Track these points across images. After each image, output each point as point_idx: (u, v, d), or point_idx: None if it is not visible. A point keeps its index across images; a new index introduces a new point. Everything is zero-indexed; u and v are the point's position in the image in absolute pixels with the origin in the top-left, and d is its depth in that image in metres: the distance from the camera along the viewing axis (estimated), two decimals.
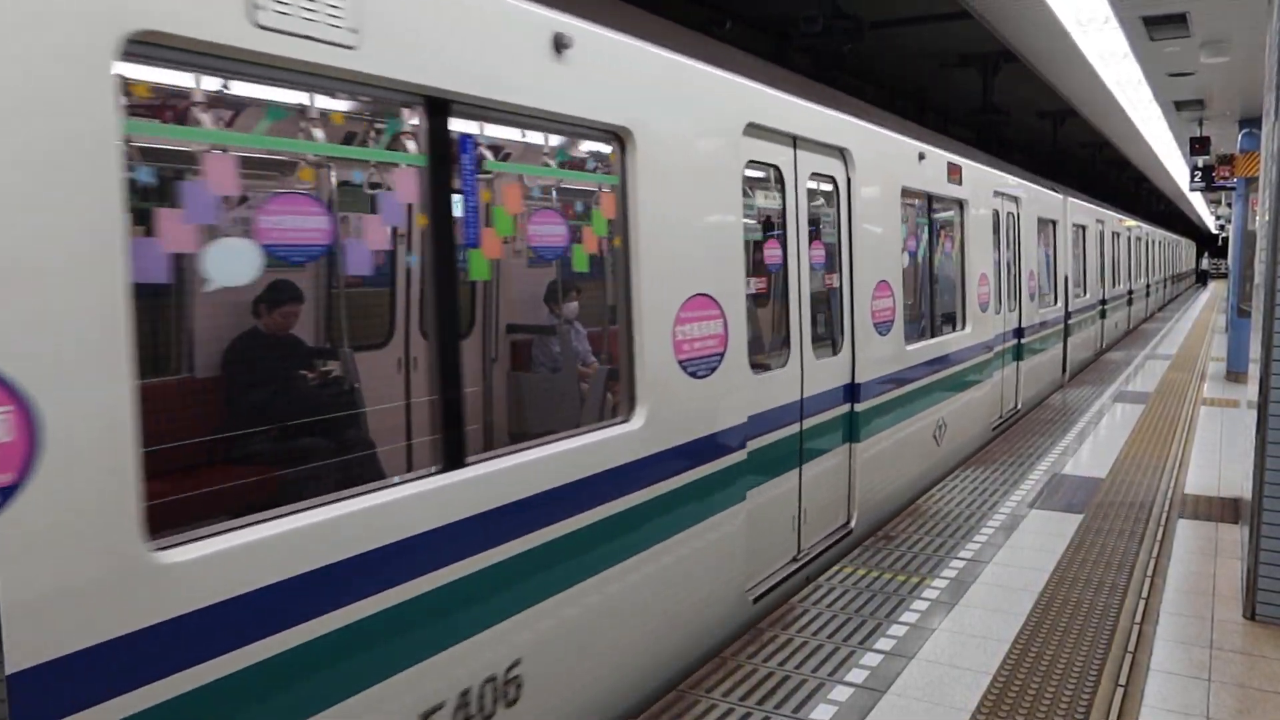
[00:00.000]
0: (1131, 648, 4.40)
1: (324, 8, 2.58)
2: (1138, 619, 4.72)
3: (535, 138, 3.88)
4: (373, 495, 2.79)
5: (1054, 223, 12.31)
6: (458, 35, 3.03)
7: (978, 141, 14.36)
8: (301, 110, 2.96)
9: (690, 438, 4.18)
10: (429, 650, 2.94)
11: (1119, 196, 28.16)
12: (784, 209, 5.25)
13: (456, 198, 3.17)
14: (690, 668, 4.29)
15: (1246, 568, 4.79)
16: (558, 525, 3.43)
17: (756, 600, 4.88)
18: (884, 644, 4.44)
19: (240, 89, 2.77)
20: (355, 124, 3.37)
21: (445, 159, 3.08)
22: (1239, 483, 6.08)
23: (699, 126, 4.28)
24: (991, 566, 5.50)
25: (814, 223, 5.68)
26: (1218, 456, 8.33)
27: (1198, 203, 34.68)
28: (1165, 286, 31.97)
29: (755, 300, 5.11)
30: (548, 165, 3.96)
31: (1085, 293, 14.76)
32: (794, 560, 5.36)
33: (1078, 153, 21.95)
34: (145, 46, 2.21)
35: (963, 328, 8.43)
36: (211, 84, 2.69)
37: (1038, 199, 11.36)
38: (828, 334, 5.91)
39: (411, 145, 3.09)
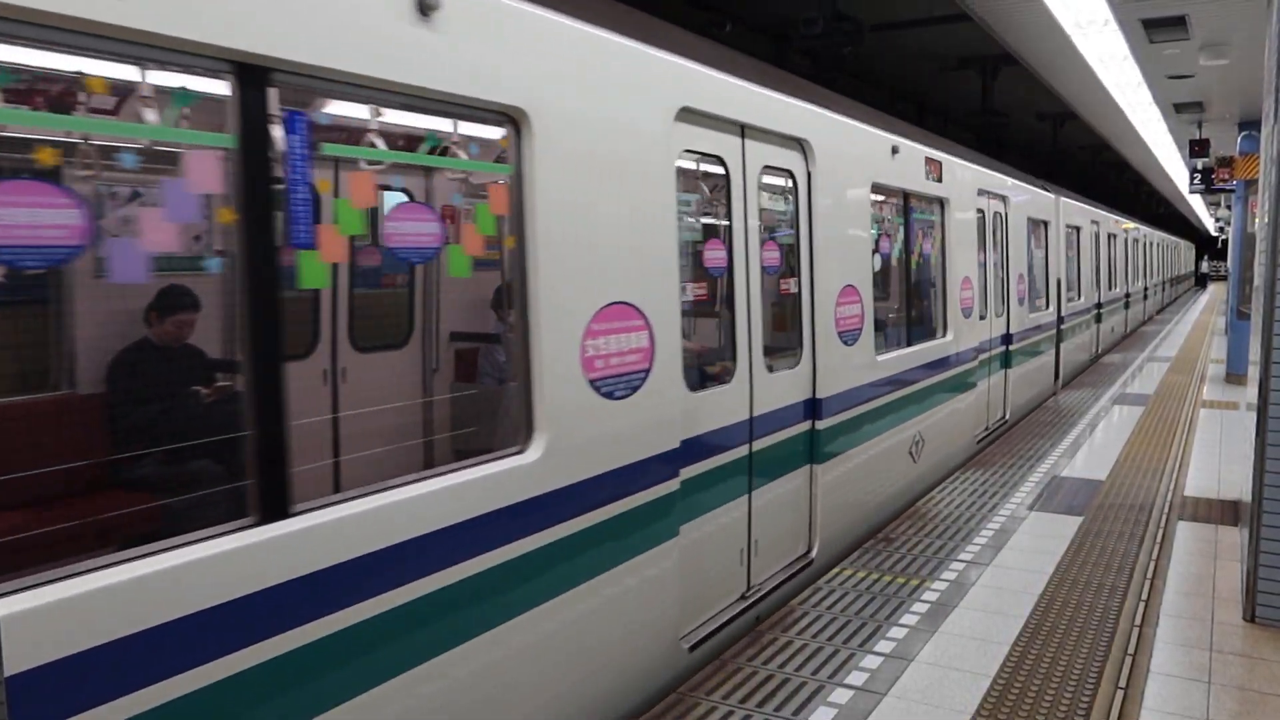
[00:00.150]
0: (1131, 650, 4.40)
1: None
2: (1137, 621, 4.72)
3: (399, 118, 3.30)
4: (151, 559, 2.22)
5: (1045, 223, 11.88)
6: None
7: (977, 144, 14.39)
8: (46, 76, 2.37)
9: (604, 469, 3.62)
10: None
11: (1118, 199, 28.19)
12: (729, 206, 4.69)
13: (280, 188, 2.61)
14: None
15: (1246, 570, 4.79)
16: (417, 584, 2.85)
17: (694, 648, 4.32)
18: (884, 646, 4.44)
19: None
20: (131, 94, 2.57)
21: (262, 140, 2.52)
22: (1239, 485, 6.08)
23: (618, 109, 3.73)
24: (991, 569, 5.50)
25: (768, 222, 5.22)
26: (1217, 459, 8.33)
27: (1197, 205, 34.70)
28: (1164, 289, 31.74)
29: (694, 309, 4.65)
30: (415, 151, 3.41)
31: (1080, 296, 14.31)
32: (742, 598, 4.81)
33: (1077, 155, 21.96)
34: None
35: (943, 335, 7.91)
36: None
37: (1027, 198, 10.91)
38: (785, 345, 5.39)
39: (222, 123, 2.49)
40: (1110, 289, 17.61)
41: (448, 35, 2.95)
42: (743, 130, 4.73)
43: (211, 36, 2.32)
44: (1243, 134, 13.67)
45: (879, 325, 6.72)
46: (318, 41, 2.58)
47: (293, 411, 2.60)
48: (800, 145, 5.29)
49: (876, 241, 6.54)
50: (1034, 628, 4.63)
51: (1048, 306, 12.05)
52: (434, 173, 4.07)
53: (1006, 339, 10.00)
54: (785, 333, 5.43)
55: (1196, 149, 14.37)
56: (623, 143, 3.76)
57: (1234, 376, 12.87)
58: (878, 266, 6.51)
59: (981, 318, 9.00)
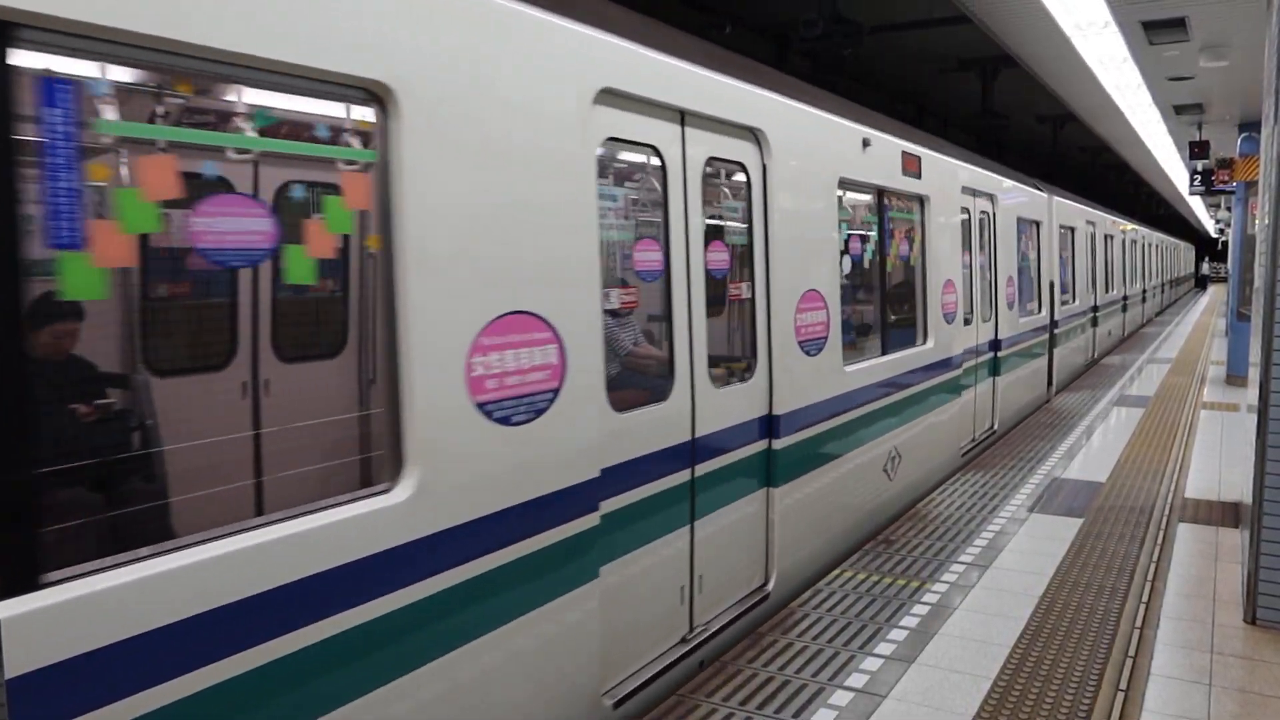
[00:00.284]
0: (1132, 652, 4.39)
1: None
2: (1138, 623, 4.71)
3: (214, 92, 2.81)
4: None
5: (1038, 224, 11.45)
6: None
7: (977, 146, 14.40)
8: None
9: (497, 506, 3.13)
10: None
11: (1119, 200, 28.21)
12: (666, 202, 4.18)
13: (29, 172, 2.12)
14: None
15: (1247, 572, 4.79)
16: (227, 662, 2.33)
17: (620, 704, 3.83)
18: (884, 649, 4.44)
19: None
20: None
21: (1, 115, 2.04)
22: (1239, 487, 6.07)
23: (514, 89, 3.22)
24: (991, 570, 5.49)
25: (715, 220, 4.77)
26: (1218, 460, 8.33)
27: (1197, 206, 34.71)
28: (1163, 291, 31.52)
29: (616, 317, 4.19)
30: (236, 131, 2.82)
31: (1074, 299, 13.84)
32: (684, 641, 4.33)
33: (1077, 157, 21.98)
34: None
35: (923, 342, 7.40)
36: None
37: (1017, 197, 10.42)
38: (736, 356, 5.01)
39: None
40: (1107, 291, 17.21)
41: None
42: (682, 117, 4.25)
43: None
44: (1243, 136, 13.67)
45: (849, 333, 6.39)
46: None
47: (59, 451, 2.21)
48: (754, 135, 4.79)
49: (846, 243, 6.10)
50: (1034, 630, 4.62)
51: (1040, 310, 11.66)
52: (276, 159, 3.50)
53: (995, 345, 9.58)
54: (738, 344, 5.04)
55: (1196, 151, 14.38)
56: (521, 128, 3.24)
57: (1234, 378, 12.87)
58: (847, 270, 6.12)
59: (967, 323, 8.58)
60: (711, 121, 4.45)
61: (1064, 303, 12.96)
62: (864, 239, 6.57)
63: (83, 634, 2.06)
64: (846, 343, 6.07)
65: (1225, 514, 6.63)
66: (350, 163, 2.97)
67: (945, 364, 7.78)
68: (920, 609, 4.92)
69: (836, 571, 5.50)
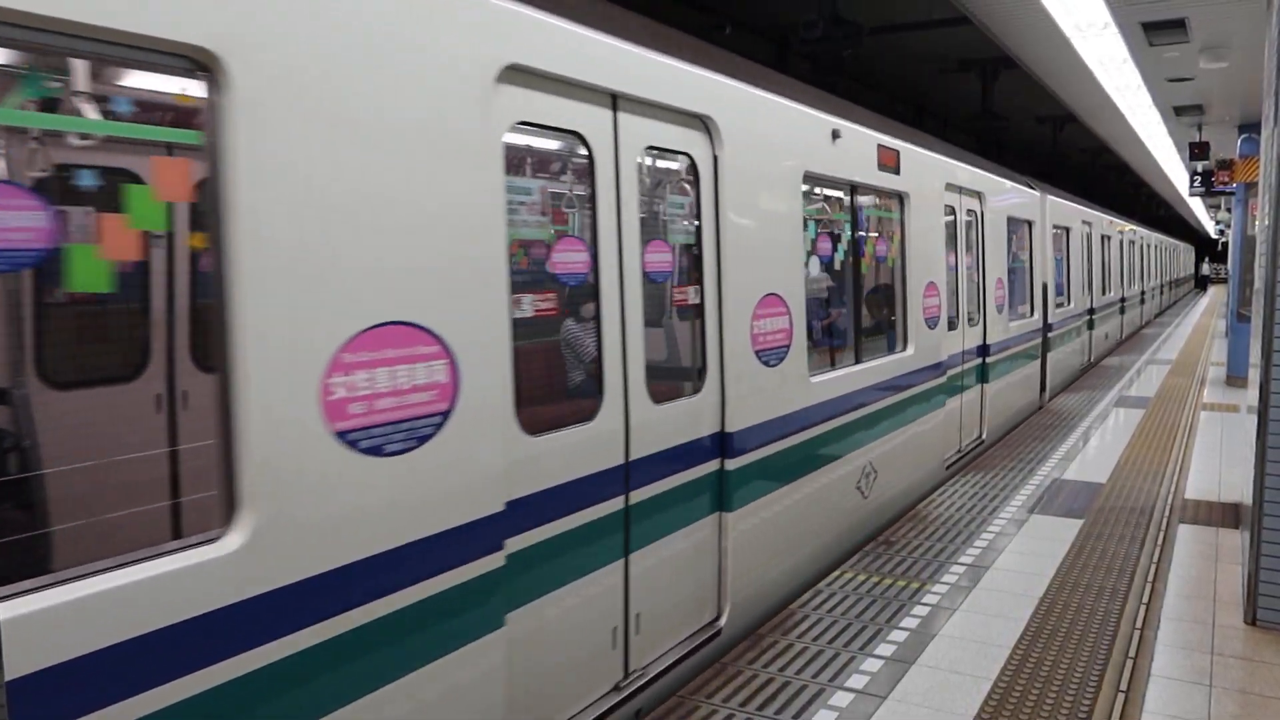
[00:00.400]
0: (1132, 653, 4.39)
1: None
2: (1138, 624, 4.71)
3: None
4: None
5: (1030, 224, 11.03)
6: None
7: (977, 147, 14.41)
8: None
9: (363, 552, 2.68)
10: None
11: (1119, 201, 28.23)
12: (594, 196, 3.72)
13: None
14: None
15: (1247, 573, 4.79)
16: None
17: None
18: (885, 649, 4.44)
19: None
20: None
21: None
22: (1239, 488, 6.07)
23: (388, 62, 2.77)
24: (992, 571, 5.49)
25: (655, 217, 4.34)
26: (1218, 461, 8.33)
27: (1197, 208, 34.72)
28: (1162, 293, 31.28)
29: (530, 328, 3.63)
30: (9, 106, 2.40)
31: (1069, 302, 13.39)
32: (616, 689, 3.89)
33: (1077, 158, 22.00)
34: None
35: (903, 349, 6.97)
36: None
37: (1007, 196, 9.96)
38: (683, 368, 4.58)
39: None
40: (1104, 293, 16.84)
41: None
42: (615, 101, 3.80)
43: None
44: (1243, 137, 13.68)
45: (817, 341, 6.07)
46: None
47: None
48: (704, 124, 4.35)
49: (813, 243, 5.67)
50: (1035, 631, 4.62)
51: (1032, 313, 11.23)
52: (59, 141, 3.01)
53: (983, 351, 9.13)
54: (682, 354, 4.62)
55: (1196, 152, 14.39)
56: (398, 107, 2.79)
57: (1234, 379, 12.87)
58: (815, 272, 5.74)
59: (952, 328, 8.15)
60: (651, 107, 3.99)
61: (1058, 305, 12.61)
62: (835, 239, 6.12)
63: None
64: (816, 350, 5.77)
65: (1225, 515, 6.63)
66: (166, 145, 2.53)
67: (927, 371, 7.35)
68: (920, 610, 4.92)
69: (837, 573, 5.50)
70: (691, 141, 4.31)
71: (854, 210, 6.32)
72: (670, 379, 4.41)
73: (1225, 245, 37.81)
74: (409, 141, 2.82)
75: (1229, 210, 20.90)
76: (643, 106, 3.95)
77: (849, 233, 6.28)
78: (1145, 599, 5.05)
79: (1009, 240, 10.11)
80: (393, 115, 2.77)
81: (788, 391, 5.06)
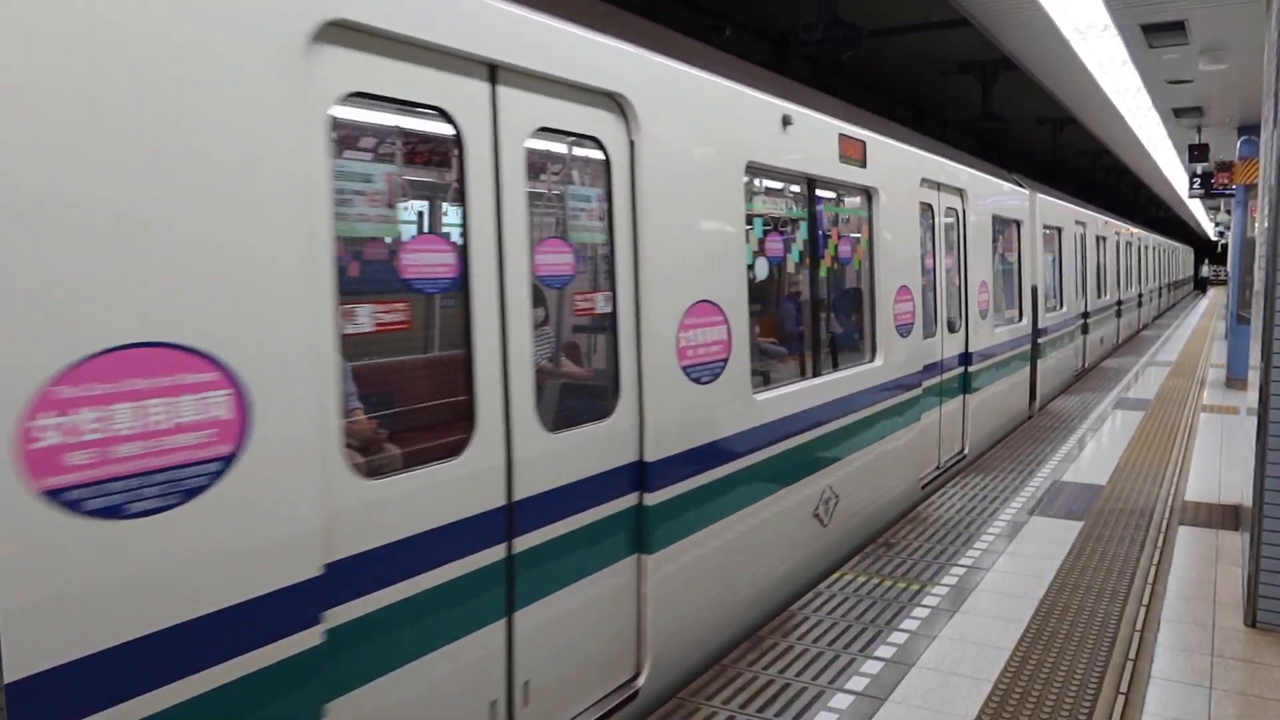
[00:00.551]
0: (1132, 655, 4.39)
1: None
2: (1138, 626, 4.71)
3: None
4: None
5: (1018, 223, 10.48)
6: None
7: (977, 149, 14.42)
8: None
9: (103, 641, 2.10)
10: None
11: (1119, 203, 28.26)
12: (464, 186, 3.12)
13: None
14: None
15: (1247, 575, 4.79)
16: None
17: None
18: (885, 651, 4.43)
19: None
20: None
21: None
22: (1239, 489, 6.08)
23: (146, 14, 2.18)
24: (992, 573, 5.49)
25: (551, 211, 3.76)
26: (1218, 463, 8.33)
27: (1197, 209, 34.76)
28: (1161, 295, 30.93)
29: (372, 345, 3.11)
30: None
31: (1062, 305, 12.82)
32: None
33: (1077, 160, 22.03)
34: None
35: (870, 359, 6.34)
36: None
37: (992, 193, 9.32)
38: (590, 388, 4.00)
39: None
40: (1100, 296, 16.28)
41: None
42: (493, 72, 3.22)
43: None
44: (1242, 139, 13.70)
45: (764, 353, 5.51)
46: None
47: None
48: (617, 103, 3.78)
49: (760, 243, 5.09)
50: (1035, 632, 4.62)
51: (1021, 318, 10.66)
52: None
53: (965, 359, 8.53)
54: (590, 371, 4.08)
55: (1196, 154, 14.41)
56: (165, 71, 2.21)
57: (1234, 381, 12.88)
58: (763, 275, 5.13)
59: (928, 337, 7.50)
60: (543, 81, 3.42)
61: (1050, 309, 12.05)
62: (787, 239, 5.50)
63: None
64: (767, 364, 5.35)
65: (1225, 517, 6.64)
66: None
67: (899, 384, 6.73)
68: (920, 612, 4.92)
69: (837, 575, 5.50)
70: (601, 124, 3.74)
71: (812, 207, 5.67)
72: (572, 401, 3.88)
73: (1225, 247, 37.84)
74: (179, 117, 2.25)
75: (1228, 212, 20.92)
76: (532, 81, 3.37)
77: (805, 232, 5.68)
78: (1145, 601, 5.05)
79: (995, 241, 9.63)
80: (152, 85, 2.20)
81: (726, 412, 4.46)
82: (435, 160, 3.32)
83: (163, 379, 2.21)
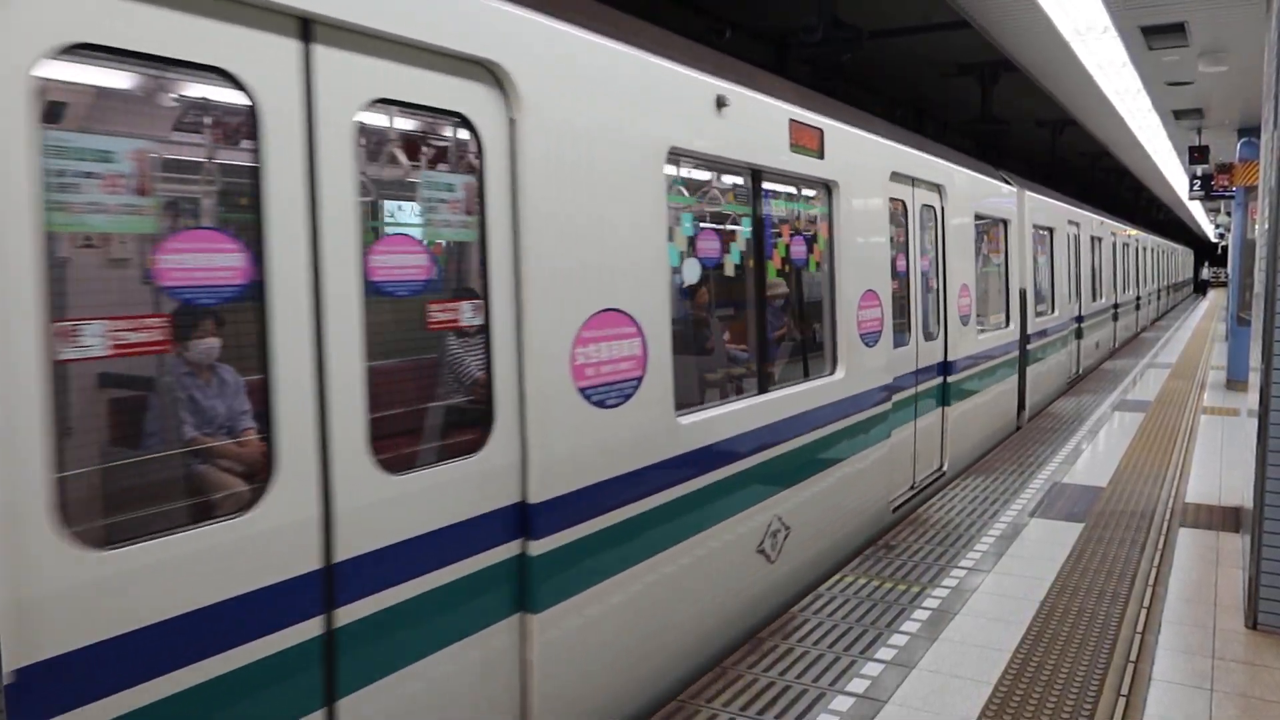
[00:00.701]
0: (1133, 657, 4.38)
1: None
2: (1139, 628, 4.71)
3: None
4: None
5: (1005, 222, 9.86)
6: None
7: (977, 150, 14.43)
8: None
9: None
10: None
11: (1118, 205, 28.26)
12: (263, 171, 2.53)
13: None
14: None
15: (1248, 576, 4.78)
16: None
17: None
18: (885, 654, 4.43)
19: None
20: None
21: None
22: (1240, 491, 6.07)
23: None
24: (992, 575, 5.49)
25: (398, 201, 3.25)
26: (1218, 465, 8.32)
27: (1197, 211, 34.76)
28: (1160, 298, 30.54)
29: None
30: None
31: (1053, 309, 12.26)
32: None
33: (1077, 162, 22.03)
34: None
35: (830, 372, 5.71)
36: None
37: (973, 190, 8.66)
38: (455, 416, 3.43)
39: None
40: (1095, 299, 15.67)
41: None
42: (306, 27, 2.63)
43: None
44: (1242, 140, 13.70)
45: (700, 368, 5.03)
46: None
47: None
48: (492, 74, 3.19)
49: (691, 242, 4.60)
50: (1035, 634, 4.62)
51: (1008, 323, 10.05)
52: None
53: (944, 368, 7.90)
54: (452, 396, 3.52)
55: (1196, 155, 14.40)
56: None
57: (1234, 383, 12.87)
58: (693, 279, 4.69)
59: (901, 345, 6.92)
60: (383, 42, 2.82)
61: (1040, 313, 11.50)
62: (725, 238, 4.90)
63: None
64: (700, 380, 4.90)
65: (1226, 519, 6.63)
66: None
67: (865, 398, 6.05)
68: (921, 614, 4.91)
69: (837, 576, 5.49)
70: (468, 98, 3.12)
71: (756, 202, 5.01)
72: (427, 432, 3.35)
73: (1225, 249, 37.85)
74: None
75: (1228, 214, 20.91)
76: (365, 41, 2.77)
77: (749, 230, 5.06)
78: (1146, 603, 5.05)
79: (978, 241, 9.03)
80: None
81: (640, 439, 3.85)
82: (221, 136, 2.66)
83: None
